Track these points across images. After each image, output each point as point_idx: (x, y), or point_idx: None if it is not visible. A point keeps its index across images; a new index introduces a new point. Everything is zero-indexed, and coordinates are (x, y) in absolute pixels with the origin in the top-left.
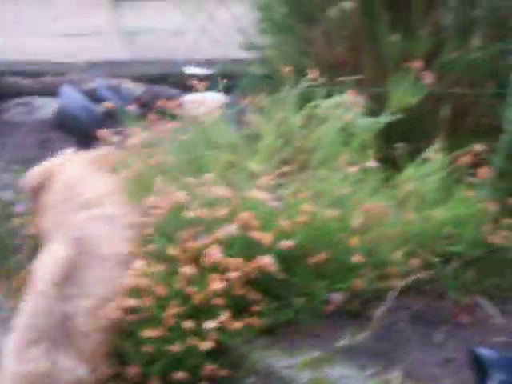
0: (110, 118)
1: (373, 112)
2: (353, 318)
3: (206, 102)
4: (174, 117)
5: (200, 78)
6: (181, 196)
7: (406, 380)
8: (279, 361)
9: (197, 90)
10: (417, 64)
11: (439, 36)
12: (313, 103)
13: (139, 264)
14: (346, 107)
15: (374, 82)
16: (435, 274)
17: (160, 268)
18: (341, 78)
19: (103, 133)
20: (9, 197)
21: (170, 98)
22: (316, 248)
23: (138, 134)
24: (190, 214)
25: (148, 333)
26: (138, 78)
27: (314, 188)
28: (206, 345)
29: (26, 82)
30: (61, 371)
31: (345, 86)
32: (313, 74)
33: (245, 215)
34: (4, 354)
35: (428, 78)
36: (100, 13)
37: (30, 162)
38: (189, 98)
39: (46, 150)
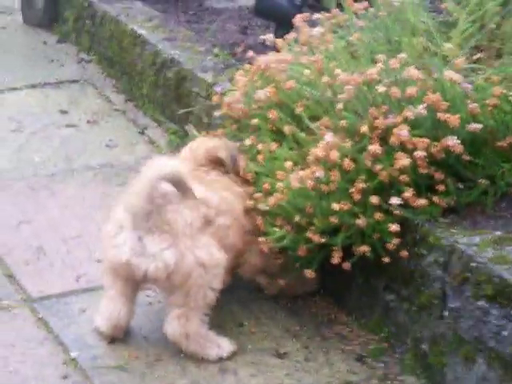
0: (309, 5)
1: None
2: None
3: None
4: (370, 2)
5: None
6: (373, 72)
7: None
8: (462, 239)
9: None
10: None
11: None
12: None
13: (330, 137)
14: None
15: None
16: None
17: (349, 143)
18: None
19: (302, 17)
20: (210, 78)
21: None
22: (504, 132)
23: (335, 16)
24: (381, 89)
25: (335, 206)
26: None
27: (506, 73)
28: (391, 220)
29: None
30: None
31: None
32: None
33: (434, 96)
34: None
35: None
36: None
37: (230, 47)
38: None
39: (246, 35)
